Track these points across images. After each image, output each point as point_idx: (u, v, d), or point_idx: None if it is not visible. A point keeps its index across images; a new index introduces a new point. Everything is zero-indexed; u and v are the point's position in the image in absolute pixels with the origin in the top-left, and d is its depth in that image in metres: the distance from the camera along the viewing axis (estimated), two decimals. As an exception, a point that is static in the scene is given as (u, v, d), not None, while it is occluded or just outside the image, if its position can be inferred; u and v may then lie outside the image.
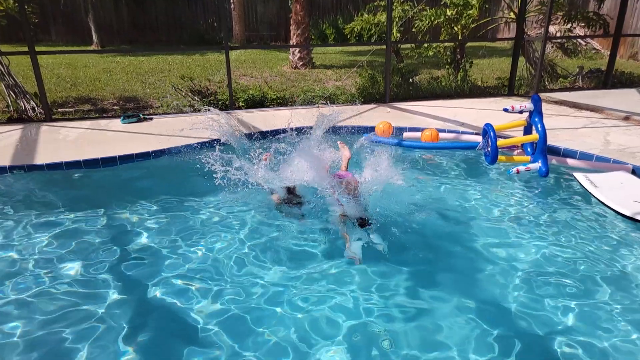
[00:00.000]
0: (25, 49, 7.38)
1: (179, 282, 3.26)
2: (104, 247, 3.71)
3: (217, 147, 4.35)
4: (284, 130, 5.71)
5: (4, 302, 3.03)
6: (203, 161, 4.28)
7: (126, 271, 3.40)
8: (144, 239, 3.84)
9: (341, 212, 3.77)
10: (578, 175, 4.88)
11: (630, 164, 5.02)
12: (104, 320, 2.86)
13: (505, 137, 5.52)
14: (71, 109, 8.71)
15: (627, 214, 4.02)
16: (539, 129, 5.06)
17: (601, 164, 5.21)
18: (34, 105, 7.89)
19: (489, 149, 5.10)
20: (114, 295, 3.11)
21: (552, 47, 13.21)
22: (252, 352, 2.57)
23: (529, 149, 5.48)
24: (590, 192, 4.50)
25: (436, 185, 4.88)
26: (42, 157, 5.61)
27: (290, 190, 4.17)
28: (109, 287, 3.21)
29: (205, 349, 2.63)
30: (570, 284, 3.19)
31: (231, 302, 3.04)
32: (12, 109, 7.85)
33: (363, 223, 3.67)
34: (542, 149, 5.03)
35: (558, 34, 13.27)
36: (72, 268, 3.42)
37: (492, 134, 5.03)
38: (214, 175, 4.43)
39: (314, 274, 3.30)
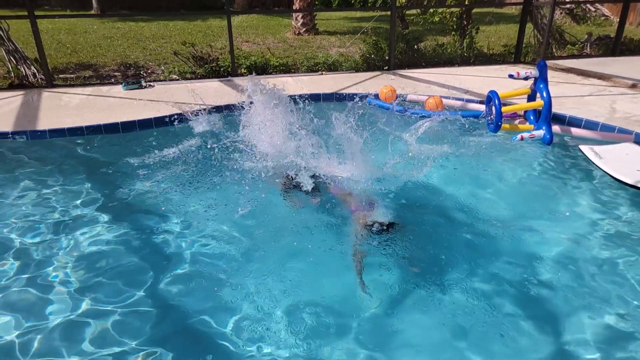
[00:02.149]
0: (25, 13, 7.28)
1: (182, 250, 3.28)
2: (104, 213, 3.74)
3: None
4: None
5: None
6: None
7: (131, 240, 3.41)
8: (146, 207, 3.84)
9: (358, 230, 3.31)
10: (583, 148, 4.85)
11: (634, 131, 4.98)
12: (106, 278, 2.92)
13: (509, 105, 5.46)
14: (72, 75, 8.64)
15: (630, 182, 4.03)
16: (544, 96, 5.00)
17: (606, 133, 5.16)
18: (35, 71, 7.83)
19: (493, 116, 5.06)
20: (116, 263, 3.14)
21: (561, 13, 12.94)
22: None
23: (531, 117, 5.43)
24: (595, 163, 4.49)
25: (435, 156, 4.82)
26: (45, 123, 5.60)
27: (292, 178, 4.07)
28: (110, 252, 3.24)
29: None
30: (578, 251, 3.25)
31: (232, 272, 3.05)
32: (13, 74, 7.79)
33: (385, 227, 3.26)
34: (547, 117, 4.98)
35: None
36: (75, 233, 3.46)
37: (496, 101, 4.97)
38: (215, 146, 4.44)
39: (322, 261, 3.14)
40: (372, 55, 9.19)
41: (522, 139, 4.94)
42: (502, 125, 5.07)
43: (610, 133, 5.14)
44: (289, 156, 4.18)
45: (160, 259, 3.17)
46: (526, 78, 5.20)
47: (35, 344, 2.46)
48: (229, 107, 5.96)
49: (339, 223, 3.54)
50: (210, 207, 3.79)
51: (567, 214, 3.72)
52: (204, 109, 5.98)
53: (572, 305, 2.73)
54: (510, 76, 5.22)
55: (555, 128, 5.24)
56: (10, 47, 7.85)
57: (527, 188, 4.27)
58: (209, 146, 4.58)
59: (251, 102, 4.52)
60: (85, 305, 2.73)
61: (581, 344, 2.46)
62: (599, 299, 2.77)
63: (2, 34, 7.77)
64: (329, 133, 4.27)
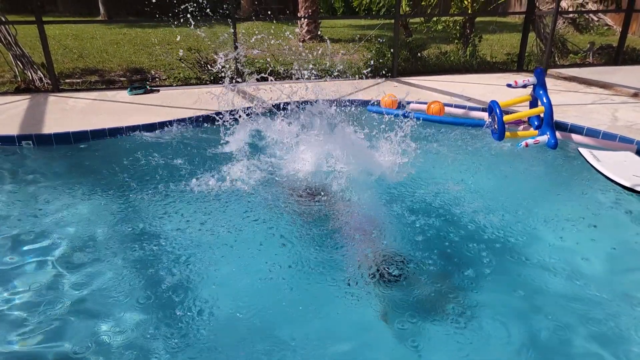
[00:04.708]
0: (32, 19, 7.38)
1: (183, 260, 3.25)
2: (105, 218, 3.76)
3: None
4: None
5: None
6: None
7: (132, 247, 3.40)
8: (149, 212, 3.84)
9: None
10: (582, 150, 4.91)
11: (635, 140, 5.02)
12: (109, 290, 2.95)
13: (511, 113, 5.49)
14: (78, 80, 8.73)
15: (627, 185, 4.09)
16: (544, 101, 5.05)
17: (607, 141, 5.20)
18: (42, 75, 7.92)
19: (496, 126, 5.09)
20: (121, 270, 3.12)
21: (564, 22, 12.99)
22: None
23: (536, 123, 5.47)
24: (593, 166, 4.56)
25: (433, 159, 4.83)
26: (50, 127, 5.66)
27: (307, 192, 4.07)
28: (115, 261, 3.23)
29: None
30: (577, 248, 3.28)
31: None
32: (19, 79, 7.88)
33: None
34: (549, 121, 5.03)
35: (570, 9, 13.02)
36: (77, 239, 3.49)
37: (497, 110, 5.02)
38: (220, 149, 4.47)
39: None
40: (376, 63, 9.25)
41: (527, 145, 4.96)
42: (506, 133, 5.11)
43: (611, 141, 5.17)
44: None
45: (168, 266, 3.15)
46: (524, 86, 5.25)
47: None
48: (233, 112, 6.01)
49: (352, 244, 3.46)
50: (216, 215, 3.80)
51: (581, 223, 3.74)
52: (211, 114, 6.04)
53: (571, 309, 2.75)
54: (509, 85, 5.27)
55: (557, 135, 5.28)
56: (17, 52, 7.95)
57: (525, 190, 4.31)
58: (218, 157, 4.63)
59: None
60: (78, 302, 2.77)
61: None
62: (596, 305, 2.79)
63: (9, 39, 7.87)
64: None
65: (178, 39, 11.82)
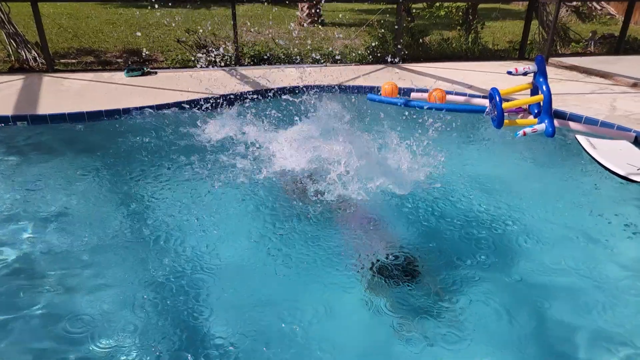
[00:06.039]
0: (26, -4, 7.24)
1: (177, 242, 3.24)
2: (101, 199, 3.74)
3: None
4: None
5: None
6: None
7: (128, 226, 3.40)
8: (143, 194, 3.82)
9: None
10: (580, 138, 4.93)
11: (634, 131, 5.00)
12: (103, 268, 2.93)
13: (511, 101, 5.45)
14: (73, 60, 8.61)
15: (622, 173, 4.13)
16: (544, 89, 5.01)
17: (605, 129, 5.20)
18: (36, 55, 7.80)
19: (496, 113, 5.05)
20: (114, 252, 3.12)
21: (567, 10, 12.87)
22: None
23: (535, 111, 5.44)
24: (589, 153, 4.59)
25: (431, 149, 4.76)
26: (45, 107, 5.58)
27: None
28: (110, 243, 3.21)
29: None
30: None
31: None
32: (13, 58, 7.76)
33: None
34: (547, 110, 4.99)
35: (574, -3, 12.89)
36: (71, 219, 3.47)
37: (497, 98, 4.97)
38: (217, 134, 4.41)
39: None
40: (377, 48, 9.14)
41: (524, 134, 4.93)
42: (505, 120, 5.08)
43: (608, 129, 5.17)
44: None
45: (158, 249, 3.15)
46: (525, 73, 5.20)
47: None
48: (232, 96, 5.94)
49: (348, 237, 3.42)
50: (212, 199, 3.76)
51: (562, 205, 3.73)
52: (208, 98, 5.97)
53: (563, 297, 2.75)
54: (509, 73, 5.22)
55: (555, 123, 5.25)
56: (10, 30, 7.81)
57: (521, 178, 4.35)
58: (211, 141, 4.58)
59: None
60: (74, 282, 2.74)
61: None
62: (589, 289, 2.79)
63: (2, 16, 7.73)
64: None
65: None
